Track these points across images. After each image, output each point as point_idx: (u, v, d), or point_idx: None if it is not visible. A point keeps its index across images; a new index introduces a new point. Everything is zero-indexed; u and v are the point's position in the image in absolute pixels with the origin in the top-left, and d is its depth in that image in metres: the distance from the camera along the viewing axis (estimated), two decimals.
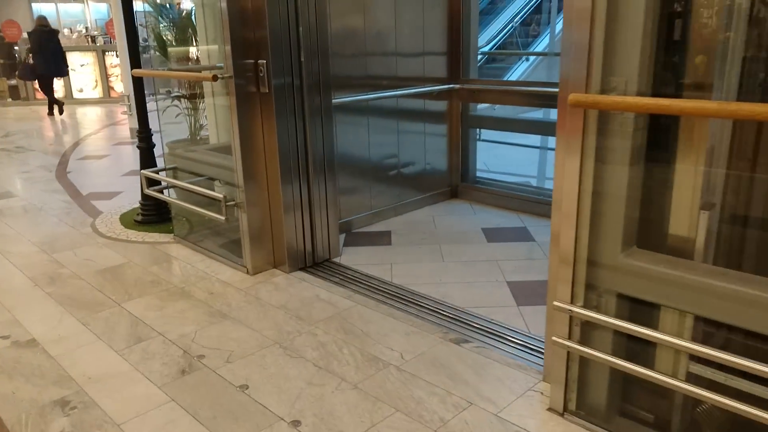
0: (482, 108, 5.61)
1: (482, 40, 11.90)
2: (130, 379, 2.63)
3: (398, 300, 3.33)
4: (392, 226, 4.62)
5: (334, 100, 4.12)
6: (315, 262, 3.88)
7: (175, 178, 4.39)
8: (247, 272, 3.74)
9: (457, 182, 5.30)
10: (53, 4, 18.13)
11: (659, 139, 2.05)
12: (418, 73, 4.79)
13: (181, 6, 4.97)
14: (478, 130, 5.42)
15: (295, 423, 2.30)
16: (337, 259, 3.97)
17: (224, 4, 3.32)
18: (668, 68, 1.95)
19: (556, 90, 2.08)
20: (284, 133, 3.54)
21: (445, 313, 3.16)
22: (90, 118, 12.29)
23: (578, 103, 1.85)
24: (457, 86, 4.98)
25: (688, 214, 2.02)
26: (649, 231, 2.12)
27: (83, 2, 19.35)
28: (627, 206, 2.03)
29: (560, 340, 2.14)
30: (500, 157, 6.43)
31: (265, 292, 3.47)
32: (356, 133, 4.51)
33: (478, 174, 5.41)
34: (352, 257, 4.01)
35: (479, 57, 11.88)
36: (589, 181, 2.03)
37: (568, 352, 2.22)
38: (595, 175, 2.03)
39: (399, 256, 4.00)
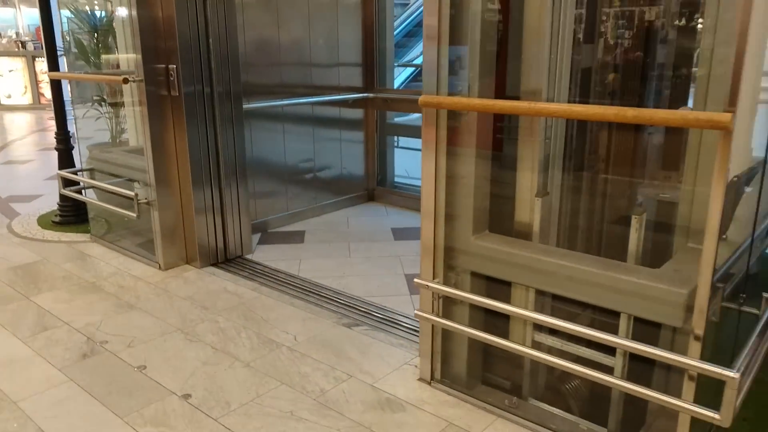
0: (405, 117, 5.91)
1: (414, 54, 12.35)
2: (31, 363, 2.76)
3: (301, 291, 3.56)
4: (307, 226, 4.85)
5: (249, 106, 4.35)
6: (227, 259, 4.06)
7: (93, 179, 4.49)
8: (159, 268, 3.89)
9: (374, 186, 5.58)
10: None
11: (502, 137, 2.37)
12: (333, 83, 5.06)
13: (102, 13, 5.09)
14: (396, 137, 5.74)
15: (186, 396, 2.49)
16: (249, 256, 4.17)
17: (135, 13, 3.51)
18: (502, 76, 2.28)
19: None
20: (195, 137, 3.73)
21: (342, 302, 3.40)
22: (18, 124, 12.02)
23: (426, 104, 2.15)
24: (372, 95, 5.28)
25: (528, 201, 2.34)
26: (500, 218, 2.43)
27: (15, 7, 18.85)
28: (476, 196, 2.34)
29: (422, 314, 2.41)
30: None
31: (174, 285, 3.64)
32: (273, 139, 4.73)
33: (396, 179, 5.71)
34: (265, 254, 4.21)
35: (411, 70, 12.25)
36: (442, 175, 2.32)
37: (433, 326, 2.51)
38: (447, 170, 2.32)
39: (309, 253, 4.23)
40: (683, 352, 1.84)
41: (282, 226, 4.85)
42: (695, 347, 1.81)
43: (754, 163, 2.81)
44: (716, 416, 1.72)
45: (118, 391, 2.54)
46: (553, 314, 2.26)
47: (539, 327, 2.36)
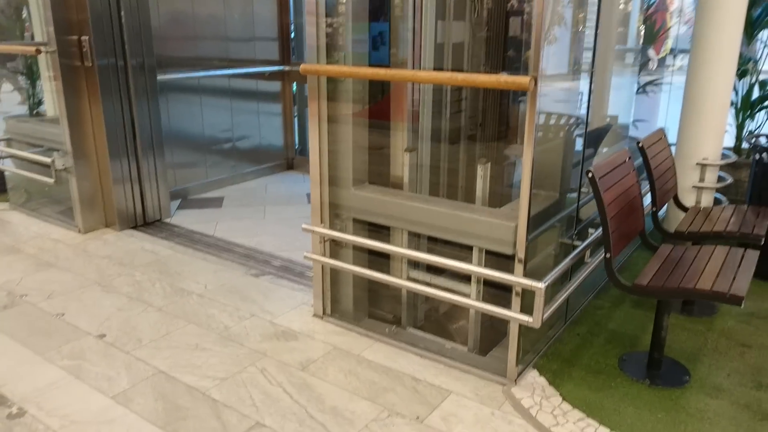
0: None
1: None
2: None
3: (215, 248, 3.86)
4: (226, 193, 5.12)
5: (164, 77, 4.56)
6: (146, 222, 4.30)
7: (10, 147, 4.60)
8: (79, 231, 4.10)
9: (293, 156, 5.89)
10: None
11: (378, 101, 2.74)
12: (249, 56, 5.31)
13: None
14: None
15: (101, 336, 2.78)
16: (168, 220, 4.42)
17: None
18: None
19: None
20: (110, 107, 3.93)
21: (251, 256, 3.73)
22: None
23: (306, 71, 2.49)
24: (288, 68, 5.55)
25: (399, 156, 2.73)
26: (379, 171, 2.81)
27: None
28: (355, 153, 2.70)
29: (311, 255, 2.78)
30: None
31: (93, 246, 3.86)
32: (190, 110, 4.95)
33: None
34: (183, 218, 4.47)
35: None
36: (324, 135, 2.67)
37: (323, 266, 2.88)
38: (329, 131, 2.67)
39: (225, 216, 4.52)
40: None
41: (202, 193, 5.10)
42: (519, 268, 2.25)
43: (608, 122, 3.32)
44: (529, 319, 2.17)
45: (38, 333, 2.79)
46: (424, 252, 2.67)
47: (415, 265, 2.77)
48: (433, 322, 2.97)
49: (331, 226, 2.81)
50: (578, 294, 3.00)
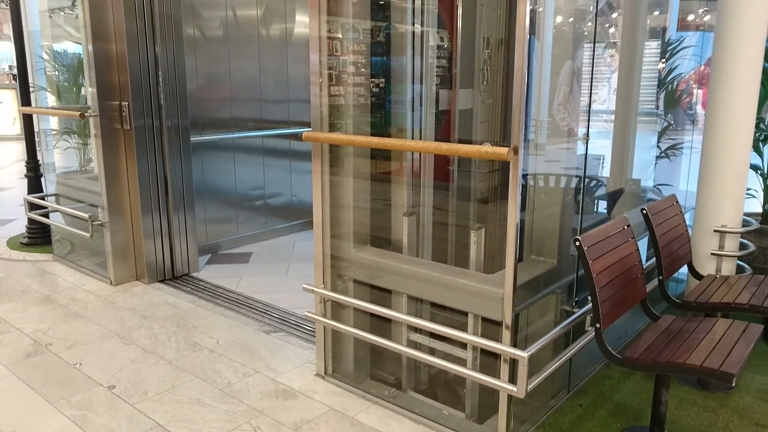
0: None
1: None
2: None
3: (234, 303, 3.97)
4: (255, 248, 5.28)
5: (200, 138, 4.83)
6: (174, 276, 4.48)
7: (58, 203, 4.93)
8: (111, 283, 4.30)
9: None
10: None
11: (379, 166, 2.83)
12: (283, 117, 5.55)
13: (72, 51, 5.59)
14: None
15: (111, 387, 2.89)
16: (195, 274, 4.58)
17: (91, 48, 3.98)
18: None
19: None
20: (144, 166, 4.18)
21: (268, 313, 3.81)
22: (4, 153, 12.49)
23: (308, 138, 2.61)
24: None
25: (399, 219, 2.79)
26: (380, 234, 2.88)
27: (11, 41, 19.49)
28: (356, 215, 2.78)
29: (311, 315, 2.83)
30: None
31: (121, 299, 4.04)
32: (224, 168, 5.19)
33: None
34: (210, 273, 4.63)
35: None
36: (327, 197, 2.77)
37: (324, 327, 2.92)
38: (332, 193, 2.77)
39: (251, 272, 4.65)
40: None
41: (231, 248, 5.27)
42: (506, 335, 2.24)
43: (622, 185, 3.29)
44: (513, 389, 2.14)
45: (53, 382, 2.93)
46: (427, 317, 2.69)
47: (416, 327, 2.78)
48: (435, 385, 2.95)
49: (333, 286, 2.87)
50: (584, 363, 2.92)
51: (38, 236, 5.30)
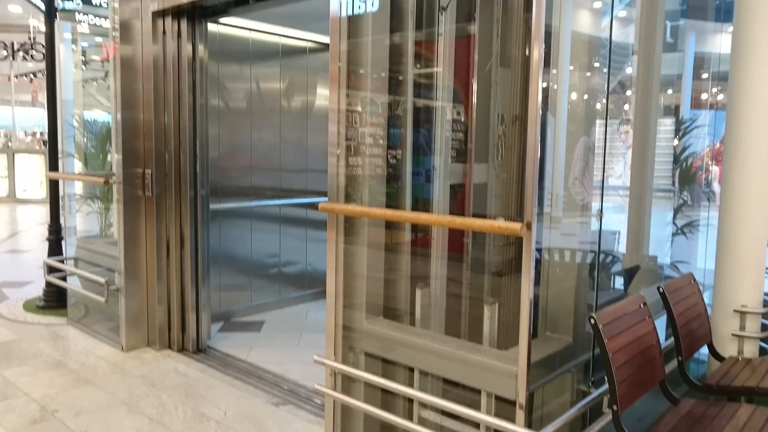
0: None
1: None
2: None
3: (244, 373, 3.91)
4: (268, 317, 5.25)
5: (220, 206, 4.91)
6: (185, 344, 4.44)
7: (76, 267, 4.98)
8: (122, 349, 4.28)
9: None
10: (9, 107, 18.84)
11: (394, 236, 2.85)
12: (301, 187, 5.65)
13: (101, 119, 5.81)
14: None
15: None
16: (207, 342, 4.54)
17: (119, 116, 4.12)
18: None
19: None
20: (163, 235, 4.24)
21: (278, 384, 3.75)
22: (29, 216, 12.78)
23: (324, 209, 2.65)
24: None
25: (412, 291, 2.77)
26: (392, 304, 2.86)
27: (45, 108, 20.29)
28: (370, 285, 2.78)
29: (320, 388, 2.78)
30: None
31: (131, 365, 4.01)
32: (241, 235, 5.25)
33: None
34: (222, 341, 4.59)
35: None
36: (341, 267, 2.78)
37: (334, 401, 2.86)
38: (346, 263, 2.78)
39: (262, 341, 4.61)
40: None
41: (245, 316, 5.25)
42: (520, 416, 2.17)
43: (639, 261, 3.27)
44: None
45: None
46: (439, 393, 2.62)
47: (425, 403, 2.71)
48: None
49: (344, 359, 2.83)
50: None
51: (54, 300, 5.34)
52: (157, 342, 4.31)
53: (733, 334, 3.23)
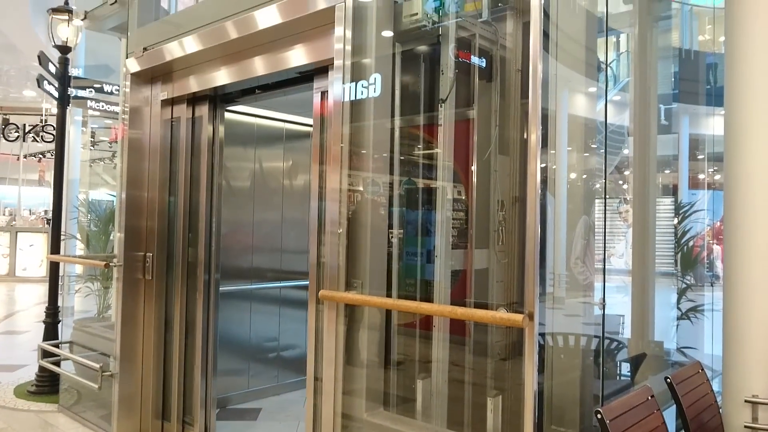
0: None
1: None
2: None
3: None
4: (265, 404, 5.09)
5: (221, 288, 4.86)
6: None
7: (72, 351, 4.89)
8: None
9: None
10: (16, 188, 19.09)
11: (393, 318, 2.81)
12: (301, 269, 5.62)
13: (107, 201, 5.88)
14: None
15: None
16: None
17: (124, 195, 4.15)
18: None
19: None
20: (165, 318, 4.19)
21: None
22: (28, 295, 12.69)
23: (324, 297, 2.63)
24: None
25: (412, 379, 2.70)
26: (392, 391, 2.78)
27: (51, 188, 20.55)
28: (369, 377, 2.71)
29: None
30: None
31: None
32: (239, 317, 5.18)
33: None
34: (218, 430, 4.43)
35: None
36: (340, 360, 2.72)
37: None
38: (344, 348, 2.73)
39: (258, 431, 4.45)
40: None
41: (241, 402, 5.09)
42: None
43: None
44: None
45: None
46: None
47: None
48: None
49: None
50: None
51: (47, 384, 5.20)
52: (150, 430, 4.16)
53: (746, 426, 3.12)
